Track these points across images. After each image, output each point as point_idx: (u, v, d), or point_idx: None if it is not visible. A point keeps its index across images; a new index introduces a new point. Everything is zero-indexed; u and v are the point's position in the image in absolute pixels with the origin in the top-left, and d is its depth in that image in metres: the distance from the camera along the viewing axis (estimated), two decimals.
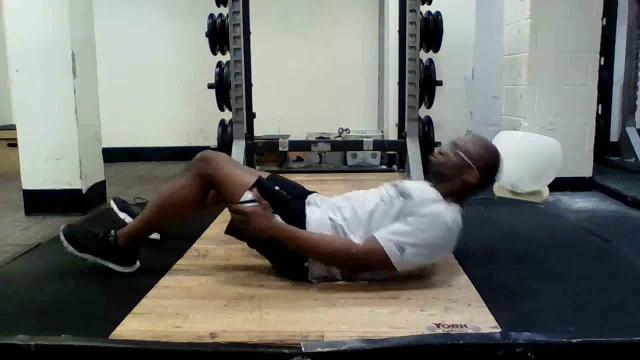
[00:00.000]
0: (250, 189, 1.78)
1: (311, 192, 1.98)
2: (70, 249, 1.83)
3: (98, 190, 3.56)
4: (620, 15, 5.05)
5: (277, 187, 1.91)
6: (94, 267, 1.87)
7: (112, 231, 1.88)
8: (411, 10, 3.85)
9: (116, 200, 2.36)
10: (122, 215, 2.30)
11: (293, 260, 1.81)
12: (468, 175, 1.81)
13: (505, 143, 3.62)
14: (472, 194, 1.88)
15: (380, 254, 1.68)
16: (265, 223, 1.74)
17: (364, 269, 1.77)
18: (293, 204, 1.86)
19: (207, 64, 4.28)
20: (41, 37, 3.20)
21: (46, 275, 1.97)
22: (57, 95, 3.24)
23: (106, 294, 1.76)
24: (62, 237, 1.84)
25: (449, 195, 1.80)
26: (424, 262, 1.75)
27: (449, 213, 1.73)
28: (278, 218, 1.77)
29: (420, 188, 1.83)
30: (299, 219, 1.81)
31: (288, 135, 5.14)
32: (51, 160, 3.29)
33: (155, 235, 2.21)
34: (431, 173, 1.90)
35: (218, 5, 4.03)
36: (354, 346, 1.35)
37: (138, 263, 1.94)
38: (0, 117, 5.31)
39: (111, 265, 1.87)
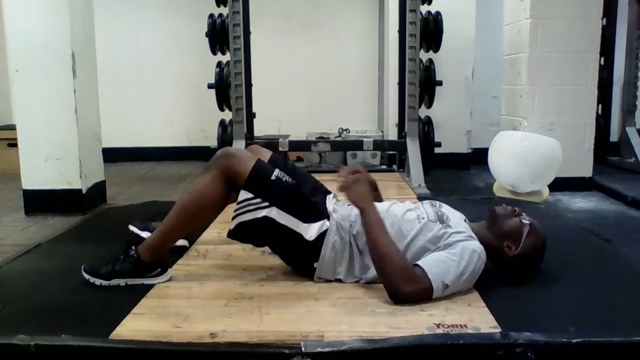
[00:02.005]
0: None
1: (329, 192, 2.02)
2: (99, 281, 1.79)
3: (98, 190, 3.56)
4: (620, 15, 5.05)
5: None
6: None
7: (133, 247, 1.82)
8: (411, 10, 3.86)
9: (134, 224, 2.24)
10: (145, 234, 2.12)
11: (303, 261, 1.84)
12: (509, 248, 1.80)
13: (505, 143, 3.63)
14: (493, 258, 1.83)
15: (427, 287, 1.65)
16: (366, 192, 1.83)
17: (401, 288, 1.66)
18: (316, 207, 1.86)
19: (207, 64, 4.29)
20: (41, 37, 3.20)
21: (46, 275, 1.98)
22: (57, 95, 3.24)
23: (106, 294, 1.75)
24: (87, 275, 1.80)
25: (480, 241, 1.77)
26: (452, 291, 1.72)
27: (482, 253, 1.74)
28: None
29: (457, 217, 1.85)
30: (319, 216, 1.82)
31: (288, 135, 5.13)
32: (51, 160, 3.29)
33: (183, 242, 2.19)
34: (489, 216, 1.87)
35: (218, 5, 4.03)
36: (354, 346, 1.35)
37: (170, 272, 1.88)
38: (0, 117, 5.31)
39: (143, 281, 1.81)
